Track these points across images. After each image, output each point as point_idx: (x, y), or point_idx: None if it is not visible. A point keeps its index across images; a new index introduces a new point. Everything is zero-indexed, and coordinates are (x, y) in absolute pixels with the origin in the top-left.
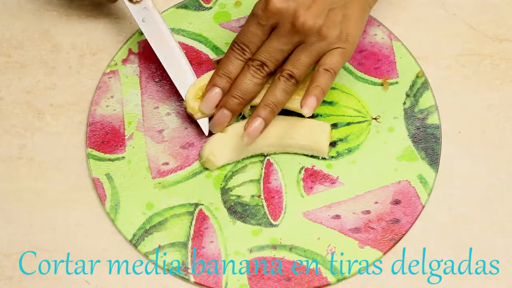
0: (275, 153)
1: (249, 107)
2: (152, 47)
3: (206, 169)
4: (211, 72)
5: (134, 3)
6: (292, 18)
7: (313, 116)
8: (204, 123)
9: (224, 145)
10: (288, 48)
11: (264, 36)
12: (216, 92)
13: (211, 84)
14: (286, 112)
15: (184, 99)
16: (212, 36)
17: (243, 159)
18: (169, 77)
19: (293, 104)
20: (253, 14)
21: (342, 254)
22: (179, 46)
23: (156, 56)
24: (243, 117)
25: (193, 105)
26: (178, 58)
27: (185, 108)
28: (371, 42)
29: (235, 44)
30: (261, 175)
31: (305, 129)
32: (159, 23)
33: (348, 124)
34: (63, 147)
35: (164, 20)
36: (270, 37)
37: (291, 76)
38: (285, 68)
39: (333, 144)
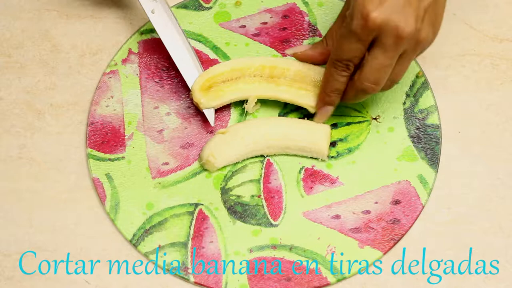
0: (275, 154)
1: (253, 104)
2: (161, 38)
3: (206, 168)
4: (218, 65)
5: None
6: (395, 31)
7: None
8: (210, 114)
9: (224, 147)
10: (395, 61)
11: (365, 49)
12: (329, 109)
13: (323, 103)
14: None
15: (190, 89)
16: (212, 36)
17: (243, 160)
18: (169, 77)
19: (300, 99)
20: (351, 31)
21: (342, 254)
22: (187, 37)
23: (157, 55)
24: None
25: (199, 96)
26: (186, 49)
27: (191, 98)
28: None
29: (338, 63)
30: (261, 175)
31: (304, 130)
32: (168, 15)
33: (348, 124)
34: (63, 147)
35: (173, 12)
36: (374, 53)
37: (391, 85)
38: (385, 87)
39: (333, 144)
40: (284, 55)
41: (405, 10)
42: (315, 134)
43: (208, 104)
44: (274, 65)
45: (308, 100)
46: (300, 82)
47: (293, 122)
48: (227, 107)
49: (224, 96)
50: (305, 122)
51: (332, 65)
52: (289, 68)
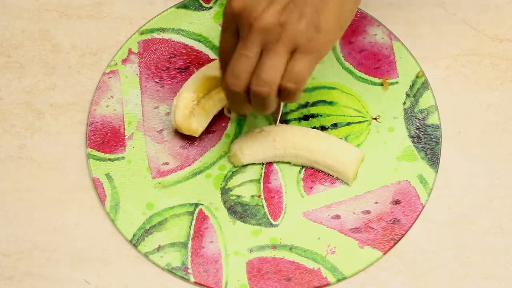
0: (302, 165)
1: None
2: None
3: (207, 168)
4: (183, 92)
5: None
6: (248, 19)
7: (313, 117)
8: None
9: (254, 144)
10: (254, 52)
11: (234, 40)
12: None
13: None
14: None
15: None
16: (212, 36)
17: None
18: (169, 77)
19: None
20: (223, 14)
21: (342, 254)
22: None
23: (157, 55)
24: (286, 122)
25: (187, 126)
26: None
27: (180, 131)
28: (371, 42)
29: (219, 58)
30: (261, 175)
31: (337, 150)
32: None
33: (348, 124)
34: (63, 147)
35: None
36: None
37: (259, 93)
38: (252, 85)
39: None
40: None
41: (270, 2)
42: (346, 155)
43: (201, 127)
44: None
45: None
46: None
47: (328, 138)
48: (227, 107)
49: (209, 113)
50: (341, 142)
51: (219, 58)
52: None
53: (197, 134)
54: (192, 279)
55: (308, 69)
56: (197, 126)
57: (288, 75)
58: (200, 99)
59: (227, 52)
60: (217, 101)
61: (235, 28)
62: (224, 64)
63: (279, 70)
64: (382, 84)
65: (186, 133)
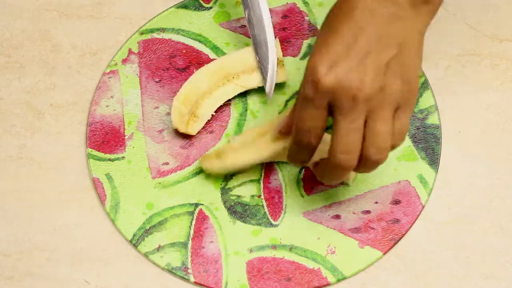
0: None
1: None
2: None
3: None
4: (185, 84)
5: None
6: (349, 92)
7: None
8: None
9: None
10: (361, 123)
11: (324, 115)
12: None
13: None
14: None
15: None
16: (212, 36)
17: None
18: (169, 77)
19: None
20: (304, 98)
21: (342, 254)
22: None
23: (157, 55)
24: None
25: (183, 129)
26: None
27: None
28: None
29: (300, 134)
30: (261, 175)
31: None
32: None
33: None
34: (63, 147)
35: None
36: (335, 120)
37: (379, 161)
38: (371, 155)
39: None
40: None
41: (360, 68)
42: None
43: (197, 127)
44: (221, 67)
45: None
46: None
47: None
48: (227, 108)
49: (206, 113)
50: None
51: (295, 138)
52: (235, 66)
53: (193, 133)
54: (192, 279)
55: (408, 122)
56: (193, 126)
57: (397, 135)
58: (198, 100)
59: (317, 130)
60: (214, 101)
61: (326, 104)
62: (307, 140)
63: (391, 134)
64: None
65: (182, 131)
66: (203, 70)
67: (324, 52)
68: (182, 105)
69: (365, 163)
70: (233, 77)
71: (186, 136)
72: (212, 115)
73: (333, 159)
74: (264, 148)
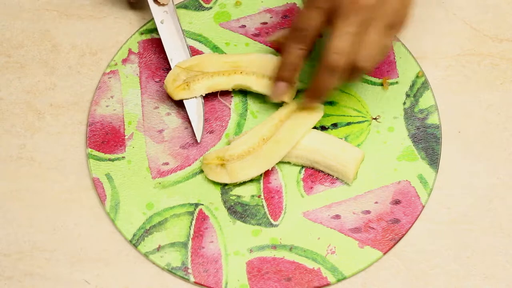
0: (302, 165)
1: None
2: (165, 49)
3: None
4: (197, 56)
5: (160, 5)
6: None
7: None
8: (198, 130)
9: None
10: (356, 30)
11: (323, 19)
12: (283, 86)
13: (277, 79)
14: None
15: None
16: (212, 36)
17: None
18: None
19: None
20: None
21: (342, 254)
22: (190, 52)
23: (157, 55)
24: None
25: (171, 90)
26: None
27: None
28: None
29: (295, 32)
30: (261, 175)
31: (337, 150)
32: (176, 28)
33: (348, 124)
34: (63, 147)
35: (181, 26)
36: (335, 23)
37: (364, 68)
38: (358, 61)
39: None
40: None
41: None
42: (346, 156)
43: (181, 96)
44: (234, 61)
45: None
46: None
47: (328, 138)
48: (227, 108)
49: (198, 90)
50: (341, 142)
51: (289, 37)
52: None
53: (175, 98)
54: (192, 279)
55: (392, 42)
56: (180, 92)
57: (383, 49)
58: (198, 76)
59: (310, 30)
60: (211, 85)
61: (327, 8)
62: (298, 39)
63: (380, 45)
64: (382, 84)
65: (168, 92)
66: (218, 56)
67: None
68: (182, 71)
69: (351, 69)
70: (241, 72)
71: (186, 137)
72: (201, 95)
73: (326, 58)
74: (272, 157)
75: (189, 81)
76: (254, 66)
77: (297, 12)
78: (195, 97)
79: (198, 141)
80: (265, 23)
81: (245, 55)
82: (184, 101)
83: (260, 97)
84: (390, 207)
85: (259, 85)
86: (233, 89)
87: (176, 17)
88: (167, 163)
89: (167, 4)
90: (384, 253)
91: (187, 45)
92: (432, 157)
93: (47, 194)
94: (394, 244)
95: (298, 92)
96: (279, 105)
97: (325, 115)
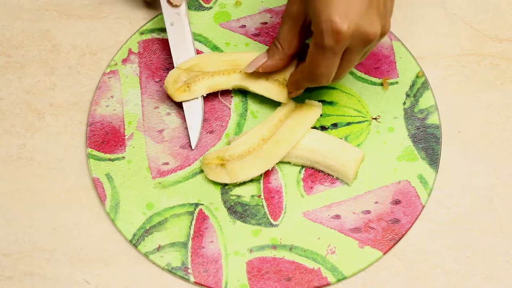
0: (302, 165)
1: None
2: (172, 52)
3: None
4: (197, 56)
5: (173, 6)
6: (365, 37)
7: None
8: (194, 137)
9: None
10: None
11: (339, 59)
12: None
13: (294, 91)
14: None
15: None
16: (212, 36)
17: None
18: None
19: (272, 94)
20: (324, 48)
21: (342, 254)
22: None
23: (157, 55)
24: None
25: (171, 92)
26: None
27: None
28: None
29: (316, 77)
30: (261, 175)
31: (337, 150)
32: (185, 31)
33: (348, 124)
34: (63, 147)
35: (191, 30)
36: (346, 57)
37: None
38: (337, 77)
39: None
40: None
41: (369, 12)
42: (347, 156)
43: (181, 98)
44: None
45: (276, 96)
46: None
47: (328, 138)
48: (227, 108)
49: (194, 92)
50: (341, 142)
51: (307, 78)
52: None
53: (177, 100)
54: (192, 279)
55: None
56: (181, 94)
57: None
58: (199, 76)
59: (331, 73)
60: (211, 84)
61: (344, 49)
62: (314, 83)
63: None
64: (382, 84)
65: (169, 93)
66: (218, 55)
67: (334, 3)
68: (182, 72)
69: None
70: (241, 71)
71: (186, 137)
72: (202, 96)
73: (312, 75)
74: (272, 157)
75: (189, 82)
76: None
77: (312, 58)
78: (196, 98)
79: (193, 148)
80: (265, 23)
81: (245, 53)
82: (183, 104)
83: (260, 97)
84: (390, 207)
85: (257, 86)
86: (233, 89)
87: (187, 20)
88: (167, 163)
89: (180, 6)
90: (384, 253)
91: (194, 49)
92: (432, 157)
93: (47, 194)
94: (394, 244)
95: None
96: (279, 104)
97: (325, 115)
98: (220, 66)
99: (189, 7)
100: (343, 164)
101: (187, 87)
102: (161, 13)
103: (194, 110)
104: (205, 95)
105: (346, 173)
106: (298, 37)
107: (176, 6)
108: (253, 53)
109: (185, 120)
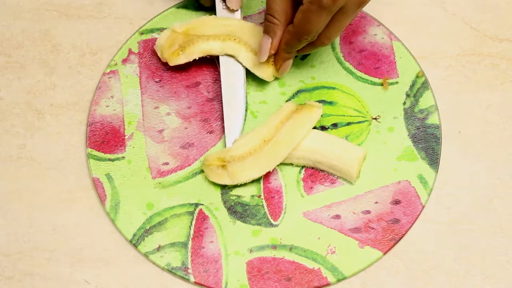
0: (304, 166)
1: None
2: (221, 71)
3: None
4: (197, 19)
5: (230, 11)
6: None
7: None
8: (229, 139)
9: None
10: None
11: (329, 20)
12: (289, 62)
13: (283, 60)
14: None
15: (226, 144)
16: None
17: None
18: (169, 77)
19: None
20: (321, 7)
21: (342, 254)
22: (245, 80)
23: (157, 55)
24: None
25: (166, 56)
26: (239, 95)
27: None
28: (371, 42)
29: (304, 36)
30: (261, 175)
31: (339, 149)
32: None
33: (348, 124)
34: (63, 147)
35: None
36: (338, 17)
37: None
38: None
39: None
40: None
41: None
42: (349, 155)
43: (175, 61)
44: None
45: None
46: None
47: (329, 138)
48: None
49: (193, 53)
50: (343, 141)
51: (295, 37)
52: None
53: (170, 64)
54: (192, 279)
55: None
56: (175, 57)
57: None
58: (194, 39)
59: (319, 30)
60: (207, 48)
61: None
62: (301, 42)
63: None
64: (382, 84)
65: (163, 57)
66: (218, 19)
67: None
68: (178, 36)
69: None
70: (235, 39)
71: (186, 137)
72: (194, 59)
73: (321, 43)
74: (274, 158)
75: (184, 46)
76: (247, 35)
77: (305, 16)
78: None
79: (227, 146)
80: None
81: (245, 22)
82: (223, 93)
83: (260, 97)
84: (390, 207)
85: (245, 58)
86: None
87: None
88: (167, 163)
89: (237, 11)
90: (384, 253)
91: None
92: (432, 157)
93: (47, 194)
94: (394, 244)
95: (298, 92)
96: (279, 105)
97: (325, 115)
98: (218, 30)
99: (189, 7)
100: (346, 163)
101: (181, 50)
102: (161, 13)
103: (235, 97)
104: (197, 58)
105: (350, 172)
106: (292, 4)
107: (233, 11)
108: (251, 24)
109: (185, 120)
